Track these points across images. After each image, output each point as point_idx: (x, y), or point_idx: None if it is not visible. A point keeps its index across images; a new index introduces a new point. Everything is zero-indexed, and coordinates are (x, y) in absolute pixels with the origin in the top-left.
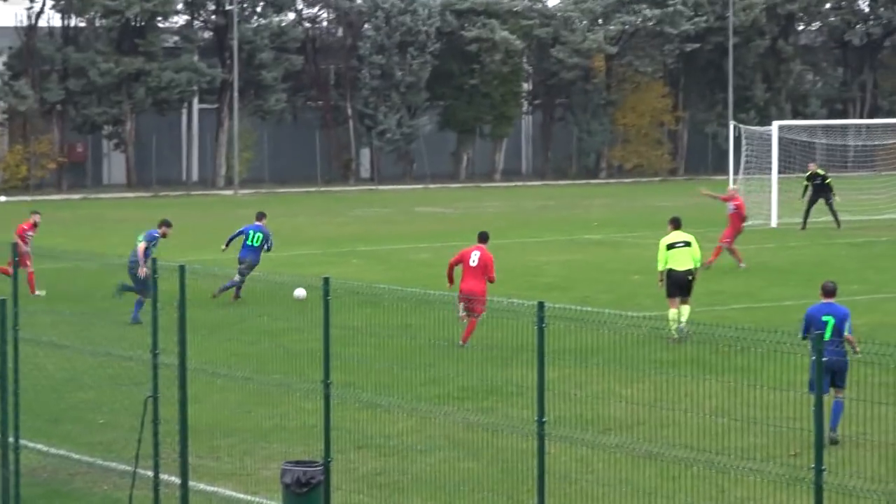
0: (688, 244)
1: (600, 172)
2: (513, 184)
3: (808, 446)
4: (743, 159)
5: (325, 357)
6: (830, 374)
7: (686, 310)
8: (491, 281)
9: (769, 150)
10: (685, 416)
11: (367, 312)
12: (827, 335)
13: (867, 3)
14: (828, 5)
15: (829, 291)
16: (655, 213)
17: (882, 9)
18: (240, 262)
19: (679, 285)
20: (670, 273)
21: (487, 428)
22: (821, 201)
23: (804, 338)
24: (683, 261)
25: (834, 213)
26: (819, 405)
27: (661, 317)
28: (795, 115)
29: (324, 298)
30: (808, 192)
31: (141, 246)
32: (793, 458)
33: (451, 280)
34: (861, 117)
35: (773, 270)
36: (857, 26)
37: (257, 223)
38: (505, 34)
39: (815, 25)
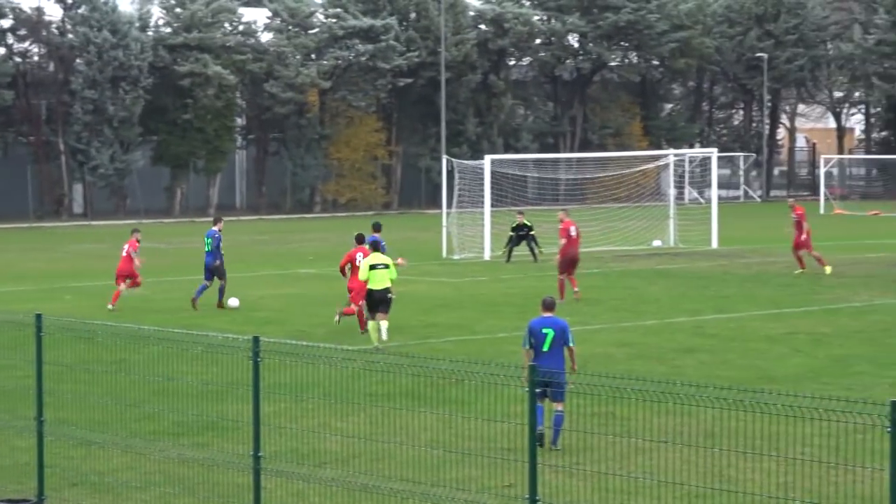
0: (387, 266)
1: (315, 206)
2: (227, 218)
3: (523, 477)
4: (456, 193)
5: (37, 394)
6: (546, 386)
7: (384, 324)
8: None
9: (482, 184)
10: (401, 448)
11: (80, 348)
12: (546, 346)
13: (576, 38)
14: (538, 41)
15: (548, 305)
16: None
17: (591, 44)
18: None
19: (379, 301)
20: (371, 291)
21: (203, 463)
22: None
23: (529, 348)
24: (382, 281)
25: (532, 251)
26: (532, 428)
27: (377, 349)
28: (507, 149)
29: (36, 335)
30: (512, 241)
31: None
32: (507, 488)
33: (343, 273)
34: (571, 151)
35: (487, 303)
36: (567, 61)
37: (212, 228)
38: (218, 69)
39: (526, 60)
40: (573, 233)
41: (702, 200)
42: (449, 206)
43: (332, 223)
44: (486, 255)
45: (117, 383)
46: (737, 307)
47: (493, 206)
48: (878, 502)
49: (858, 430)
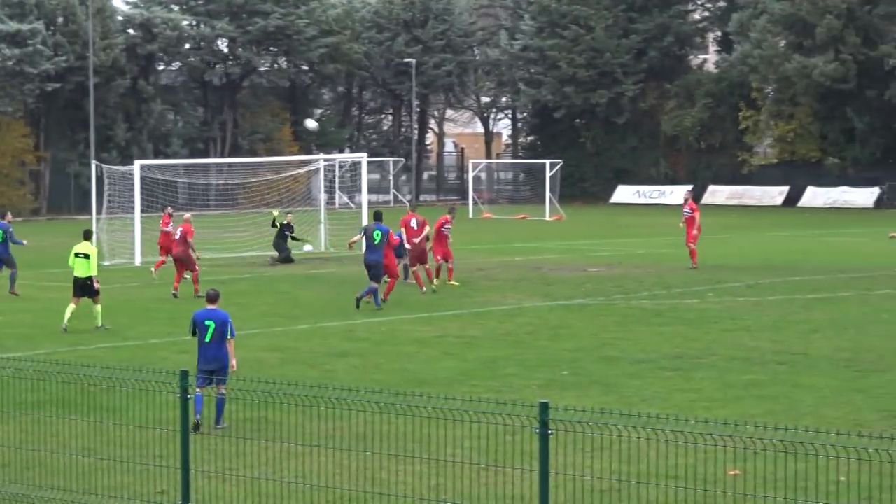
0: (87, 256)
1: None
2: None
3: (176, 483)
4: (106, 199)
5: None
6: (210, 371)
7: (97, 309)
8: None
9: (132, 189)
10: (52, 456)
11: None
12: (208, 337)
13: (226, 43)
14: (187, 46)
15: (211, 298)
16: (15, 252)
17: (240, 49)
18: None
19: (80, 287)
20: (75, 278)
21: None
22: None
23: (193, 335)
24: (83, 269)
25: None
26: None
27: (26, 357)
28: (157, 155)
29: None
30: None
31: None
32: (160, 495)
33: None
34: (222, 156)
35: (139, 309)
36: (217, 66)
37: (1, 221)
38: None
39: (176, 65)
40: (413, 224)
41: (352, 205)
42: (99, 211)
43: None
44: (137, 261)
45: None
46: (387, 311)
47: (143, 211)
48: (528, 502)
49: (508, 432)
